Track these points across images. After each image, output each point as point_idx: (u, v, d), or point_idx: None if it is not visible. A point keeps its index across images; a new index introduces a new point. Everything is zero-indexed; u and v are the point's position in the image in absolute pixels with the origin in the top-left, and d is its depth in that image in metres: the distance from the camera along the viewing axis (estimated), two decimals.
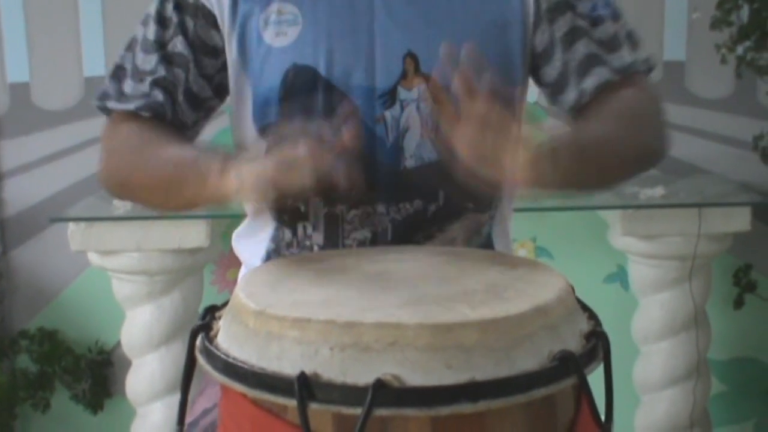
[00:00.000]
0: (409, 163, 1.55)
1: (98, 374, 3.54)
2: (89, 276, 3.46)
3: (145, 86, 1.57)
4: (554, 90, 1.60)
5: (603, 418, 1.12)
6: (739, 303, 3.44)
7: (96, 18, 3.41)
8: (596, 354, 1.09)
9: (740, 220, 3.08)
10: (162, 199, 1.53)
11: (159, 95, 1.56)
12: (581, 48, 1.56)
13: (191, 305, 3.13)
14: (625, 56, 1.58)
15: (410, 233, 1.54)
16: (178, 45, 1.57)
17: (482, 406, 0.96)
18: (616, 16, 1.61)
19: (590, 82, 1.55)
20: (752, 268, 3.47)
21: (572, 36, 1.57)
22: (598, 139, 1.44)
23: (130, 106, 1.56)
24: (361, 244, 1.55)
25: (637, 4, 3.33)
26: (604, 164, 1.44)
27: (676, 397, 3.23)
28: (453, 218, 1.57)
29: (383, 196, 1.54)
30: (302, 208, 1.56)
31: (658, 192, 3.09)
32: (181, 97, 1.58)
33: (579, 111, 1.57)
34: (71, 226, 3.00)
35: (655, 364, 3.24)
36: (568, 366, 1.02)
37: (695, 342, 3.18)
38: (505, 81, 1.57)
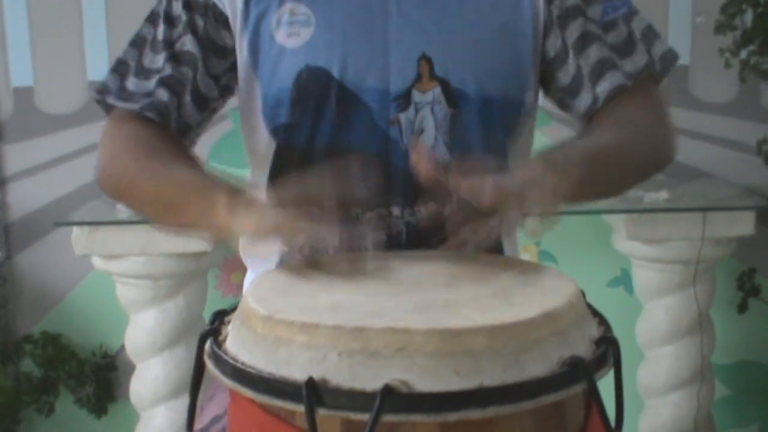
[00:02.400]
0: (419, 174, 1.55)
1: (102, 378, 3.54)
2: (93, 280, 3.46)
3: (150, 84, 1.55)
4: (567, 95, 1.60)
5: (613, 423, 1.12)
6: (743, 307, 3.45)
7: (100, 22, 3.41)
8: (606, 360, 1.08)
9: (744, 224, 3.08)
10: (158, 216, 1.51)
11: (164, 95, 1.54)
12: (594, 53, 1.56)
13: (195, 309, 3.13)
14: (638, 59, 1.58)
15: (424, 237, 1.54)
16: (187, 43, 1.56)
17: (491, 412, 0.96)
18: (628, 16, 1.61)
19: (604, 87, 1.55)
20: (756, 272, 3.47)
21: (584, 41, 1.56)
22: (606, 149, 1.44)
23: (135, 106, 1.54)
24: (376, 247, 1.55)
25: (641, 8, 3.30)
26: (613, 173, 1.45)
27: (680, 401, 3.23)
28: (465, 222, 1.57)
29: (398, 199, 1.54)
30: (316, 213, 1.55)
31: (662, 196, 3.09)
32: (187, 97, 1.56)
33: (592, 116, 1.57)
34: (75, 230, 3.01)
35: (660, 368, 3.24)
36: (578, 372, 1.02)
37: (699, 346, 3.19)
38: (516, 84, 1.58)
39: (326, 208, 1.25)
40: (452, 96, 1.53)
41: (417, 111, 1.54)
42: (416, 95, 1.53)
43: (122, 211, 3.01)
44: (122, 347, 3.28)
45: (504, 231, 1.60)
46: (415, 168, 1.32)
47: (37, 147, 3.48)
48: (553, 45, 1.58)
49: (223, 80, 1.60)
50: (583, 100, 1.58)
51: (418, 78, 1.53)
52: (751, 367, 3.65)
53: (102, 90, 1.60)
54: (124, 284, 3.09)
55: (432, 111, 1.54)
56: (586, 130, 1.56)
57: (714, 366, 3.33)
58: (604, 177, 1.42)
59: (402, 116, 1.53)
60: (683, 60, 3.45)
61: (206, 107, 1.60)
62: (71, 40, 3.44)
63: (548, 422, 1.05)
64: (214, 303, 3.25)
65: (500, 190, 1.22)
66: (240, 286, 3.36)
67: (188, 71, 1.56)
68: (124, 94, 1.57)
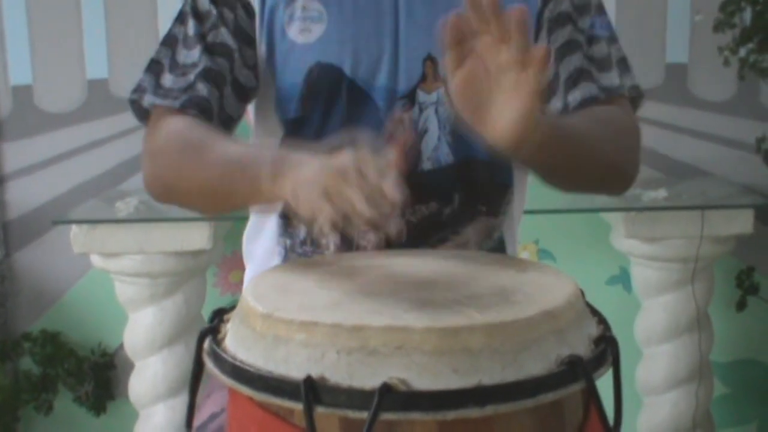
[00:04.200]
0: (426, 165, 1.55)
1: (101, 376, 3.54)
2: (92, 278, 3.46)
3: (189, 78, 1.54)
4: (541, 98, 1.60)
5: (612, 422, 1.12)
6: (741, 305, 3.44)
7: (99, 20, 3.41)
8: (605, 359, 1.08)
9: (743, 222, 3.08)
10: (210, 205, 1.51)
11: (203, 89, 1.53)
12: (574, 61, 1.56)
13: (194, 307, 3.13)
14: (614, 78, 1.58)
15: (425, 235, 1.55)
16: (220, 35, 1.56)
17: (489, 410, 0.96)
18: (612, 40, 1.61)
19: (576, 95, 1.55)
20: (755, 270, 3.47)
21: (567, 48, 1.57)
22: (584, 132, 1.43)
23: (175, 103, 1.53)
24: (376, 245, 1.55)
25: (640, 6, 3.33)
26: (580, 160, 1.43)
27: (678, 399, 3.23)
28: (466, 221, 1.57)
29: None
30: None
31: (660, 194, 3.09)
32: (228, 89, 1.56)
33: None
34: (74, 228, 3.00)
35: (658, 367, 3.24)
36: (576, 371, 1.02)
37: (698, 344, 3.19)
38: None
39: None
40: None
41: (421, 111, 1.54)
42: (421, 95, 1.54)
43: (121, 210, 3.01)
44: (121, 345, 3.27)
45: (506, 229, 1.60)
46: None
47: (36, 145, 3.47)
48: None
49: (258, 70, 1.59)
50: (554, 105, 1.57)
51: (424, 78, 1.54)
52: (750, 365, 3.65)
53: (138, 90, 1.58)
54: (122, 282, 3.09)
55: (436, 111, 1.54)
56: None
57: (712, 364, 3.33)
58: (571, 153, 1.39)
59: (406, 116, 1.54)
60: (682, 58, 3.45)
61: (247, 98, 1.60)
62: (70, 38, 3.44)
63: (547, 421, 1.05)
64: (212, 301, 3.25)
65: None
66: (238, 285, 3.36)
67: (225, 63, 1.56)
68: (161, 91, 1.56)
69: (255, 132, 1.68)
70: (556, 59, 1.57)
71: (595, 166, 1.49)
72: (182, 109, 1.53)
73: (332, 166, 1.20)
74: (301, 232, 1.59)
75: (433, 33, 1.52)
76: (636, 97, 1.63)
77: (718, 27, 3.20)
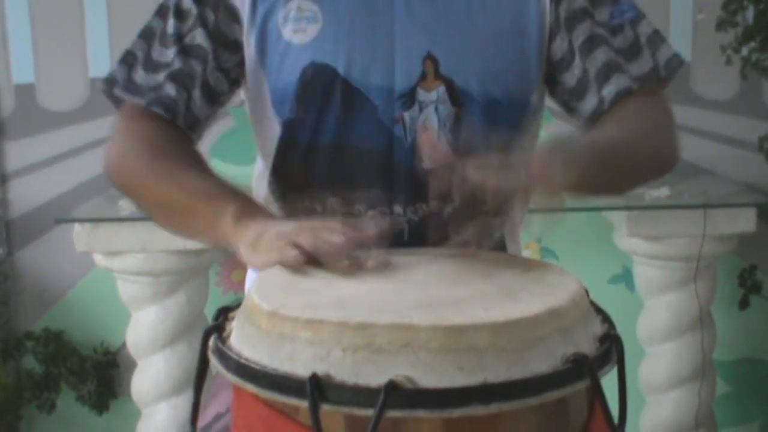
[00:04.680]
0: (426, 164, 1.55)
1: (104, 375, 3.55)
2: (94, 277, 3.47)
3: (158, 78, 1.55)
4: (573, 98, 1.60)
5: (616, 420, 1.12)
6: (744, 304, 3.45)
7: (101, 19, 3.41)
8: (610, 357, 1.08)
9: (745, 221, 3.09)
10: (166, 221, 1.53)
11: (171, 90, 1.54)
12: (600, 56, 1.56)
13: (196, 306, 3.13)
14: (644, 64, 1.58)
15: (426, 234, 1.55)
16: (197, 37, 1.56)
17: (494, 408, 0.96)
18: (635, 21, 1.60)
19: (610, 90, 1.55)
20: (757, 269, 3.47)
21: (591, 44, 1.56)
22: (613, 143, 1.43)
23: (141, 100, 1.55)
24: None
25: (643, 5, 3.31)
26: (617, 170, 1.44)
27: (681, 397, 3.23)
28: (467, 220, 1.57)
29: (400, 196, 1.54)
30: (318, 209, 1.56)
31: (663, 193, 3.09)
32: (197, 92, 1.56)
33: (598, 119, 1.57)
34: (77, 227, 3.01)
35: (661, 365, 3.24)
36: (581, 369, 1.02)
37: (700, 343, 3.19)
38: (521, 85, 1.58)
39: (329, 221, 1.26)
40: (456, 96, 1.54)
41: (421, 110, 1.54)
42: (421, 94, 1.54)
43: (124, 208, 3.01)
44: (124, 344, 3.28)
45: (508, 229, 1.61)
46: (422, 151, 1.31)
47: (39, 144, 3.48)
48: (560, 47, 1.57)
49: (233, 74, 1.60)
50: (589, 103, 1.57)
51: (423, 77, 1.54)
52: (752, 363, 3.65)
53: (109, 81, 1.60)
54: (125, 281, 3.09)
55: (436, 110, 1.54)
56: (592, 127, 1.55)
57: (715, 363, 3.34)
58: (608, 173, 1.41)
59: (406, 115, 1.54)
60: (684, 57, 3.43)
61: (216, 101, 1.60)
62: (73, 36, 3.44)
63: (552, 419, 1.05)
64: (215, 300, 3.26)
65: (504, 189, 1.22)
66: (241, 284, 3.35)
67: (198, 65, 1.56)
68: (131, 86, 1.58)
69: (255, 132, 1.68)
70: (581, 57, 1.57)
71: (636, 168, 1.51)
72: (148, 107, 1.54)
73: (304, 223, 1.26)
74: None
75: (433, 32, 1.53)
76: (675, 68, 1.63)
77: (721, 26, 3.20)
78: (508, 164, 1.24)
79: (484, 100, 1.54)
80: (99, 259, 3.09)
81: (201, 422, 1.45)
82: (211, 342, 1.15)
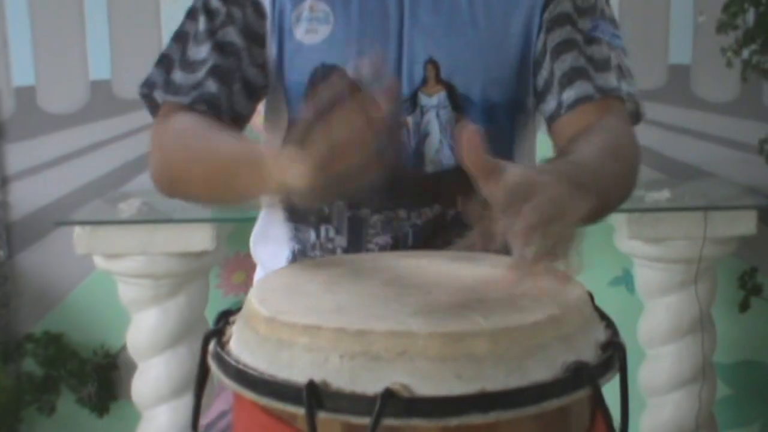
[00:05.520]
0: (429, 168, 1.56)
1: (104, 378, 3.54)
2: (95, 279, 3.46)
3: (198, 75, 1.55)
4: (538, 98, 1.59)
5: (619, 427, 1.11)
6: (744, 306, 3.44)
7: (102, 21, 3.41)
8: (612, 365, 1.07)
9: (746, 223, 3.09)
10: (215, 194, 1.49)
11: (212, 86, 1.54)
12: (569, 59, 1.55)
13: (197, 309, 3.13)
14: (611, 79, 1.55)
15: (430, 239, 1.55)
16: (229, 34, 1.56)
17: (492, 417, 0.95)
18: (613, 46, 1.58)
19: (571, 94, 1.54)
20: (758, 271, 3.47)
21: (564, 47, 1.55)
22: (594, 171, 1.37)
23: (185, 99, 1.54)
24: (383, 248, 1.56)
25: (643, 8, 3.33)
26: (605, 195, 1.39)
27: (681, 400, 3.23)
28: (471, 224, 1.57)
29: (404, 201, 1.54)
30: (326, 210, 1.56)
31: (663, 195, 3.09)
32: (237, 85, 1.56)
33: (553, 122, 1.56)
34: (77, 229, 3.01)
35: (661, 368, 3.24)
36: (582, 377, 1.01)
37: (701, 345, 3.19)
38: (524, 90, 1.57)
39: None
40: (457, 100, 1.54)
41: (423, 114, 1.54)
42: (423, 98, 1.54)
43: (124, 211, 3.02)
44: (124, 346, 3.27)
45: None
46: (464, 147, 1.25)
47: (39, 146, 3.48)
48: (536, 48, 1.57)
49: (267, 69, 1.60)
50: (549, 105, 1.56)
51: (425, 81, 1.54)
52: (753, 366, 3.65)
53: (148, 85, 1.59)
54: (125, 283, 3.09)
55: (437, 115, 1.55)
56: (569, 146, 1.47)
57: (715, 365, 3.33)
58: (601, 199, 1.38)
59: (409, 119, 1.54)
60: (685, 59, 3.45)
61: (255, 96, 1.61)
62: (73, 38, 3.44)
63: (552, 427, 1.04)
64: (215, 302, 3.25)
65: (530, 225, 1.15)
66: (241, 286, 3.37)
67: (234, 61, 1.56)
68: (172, 87, 1.57)
69: (266, 130, 1.68)
70: (551, 58, 1.56)
71: (608, 199, 1.46)
72: (191, 105, 1.54)
73: (327, 139, 1.17)
74: (312, 236, 1.59)
75: (435, 36, 1.53)
76: (634, 111, 1.59)
77: (721, 28, 3.21)
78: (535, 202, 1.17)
79: (485, 105, 1.54)
80: (99, 261, 3.09)
81: (205, 419, 1.46)
82: (211, 347, 1.15)
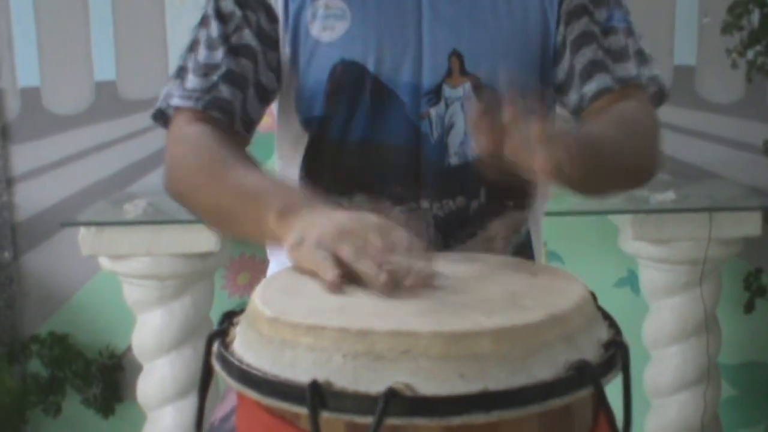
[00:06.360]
0: (453, 160, 1.56)
1: (109, 379, 3.55)
2: (100, 280, 3.47)
3: (211, 79, 1.55)
4: (559, 92, 1.62)
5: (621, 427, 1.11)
6: (749, 307, 3.44)
7: (107, 22, 3.42)
8: (614, 364, 1.07)
9: (751, 224, 3.08)
10: (219, 227, 1.52)
11: (226, 91, 1.54)
12: (588, 53, 1.58)
13: (202, 310, 3.13)
14: (630, 68, 1.59)
15: (452, 230, 1.55)
16: (244, 37, 1.56)
17: (495, 416, 0.95)
18: (629, 32, 1.62)
19: (591, 87, 1.57)
20: (763, 272, 3.47)
21: (582, 40, 1.58)
22: (604, 141, 1.41)
23: (198, 104, 1.54)
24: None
25: (648, 8, 3.33)
26: (607, 167, 1.42)
27: (686, 401, 3.23)
28: (494, 216, 1.58)
29: (427, 192, 1.56)
30: (346, 205, 1.56)
31: (668, 196, 3.09)
32: (251, 90, 1.56)
33: (579, 115, 1.59)
34: (82, 230, 3.01)
35: (666, 369, 3.24)
36: (585, 376, 1.01)
37: (706, 346, 3.18)
38: (545, 80, 1.58)
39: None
40: (482, 91, 1.54)
41: (447, 106, 1.55)
42: (447, 90, 1.55)
43: (129, 212, 3.02)
44: (129, 347, 3.28)
45: (532, 225, 1.60)
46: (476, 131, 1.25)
47: (44, 147, 3.49)
48: (555, 41, 1.59)
49: (279, 73, 1.60)
50: (571, 98, 1.59)
51: (449, 73, 1.55)
52: (758, 367, 3.65)
53: (166, 97, 1.59)
54: (130, 284, 3.10)
55: (462, 106, 1.55)
56: (583, 123, 1.55)
57: (720, 366, 3.33)
58: (591, 168, 1.39)
59: (432, 111, 1.55)
60: (690, 60, 3.45)
61: (267, 100, 1.61)
62: (78, 40, 3.45)
63: (555, 427, 1.04)
64: (220, 303, 3.26)
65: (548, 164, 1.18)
66: (246, 287, 3.37)
67: (248, 64, 1.56)
68: (185, 93, 1.56)
69: (278, 135, 1.69)
70: (571, 52, 1.58)
71: (621, 170, 1.49)
72: (205, 111, 1.53)
73: (348, 222, 1.19)
74: None
75: (458, 28, 1.54)
76: (657, 92, 1.62)
77: (726, 29, 3.20)
78: (547, 137, 1.18)
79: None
80: (104, 262, 3.09)
81: (220, 413, 1.47)
82: (215, 347, 1.15)
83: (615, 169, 1.46)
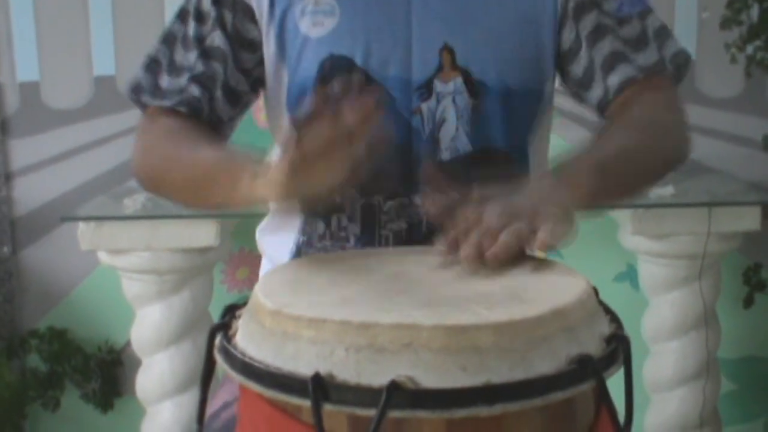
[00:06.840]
0: (445, 155, 1.56)
1: (108, 373, 3.55)
2: (99, 275, 3.47)
3: (182, 81, 1.58)
4: (580, 88, 1.61)
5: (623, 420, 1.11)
6: (748, 302, 3.45)
7: (106, 17, 3.41)
8: (616, 358, 1.07)
9: (750, 219, 3.08)
10: (192, 199, 1.52)
11: (195, 90, 1.56)
12: (606, 45, 1.57)
13: (201, 304, 3.13)
14: (651, 55, 1.59)
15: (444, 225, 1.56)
16: (216, 39, 1.58)
17: (498, 409, 0.95)
18: (643, 14, 1.61)
19: (615, 79, 1.56)
20: (762, 267, 3.48)
21: (597, 33, 1.58)
22: (621, 153, 1.43)
23: (167, 102, 1.57)
24: (397, 235, 1.56)
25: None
26: (629, 177, 1.45)
27: (686, 396, 3.23)
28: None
29: (419, 187, 1.55)
30: (338, 199, 1.56)
31: (667, 191, 3.09)
32: (218, 92, 1.58)
33: (604, 108, 1.59)
34: (81, 225, 3.01)
35: (665, 363, 3.24)
36: (587, 370, 1.01)
37: (705, 341, 3.18)
38: (537, 75, 1.58)
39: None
40: (473, 86, 1.55)
41: (438, 101, 1.55)
42: (438, 85, 1.55)
43: (128, 207, 3.02)
44: (128, 342, 3.28)
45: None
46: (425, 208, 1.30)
47: (43, 142, 3.48)
48: (568, 37, 1.59)
49: (253, 74, 1.62)
50: (595, 93, 1.59)
51: (440, 68, 1.55)
52: (757, 361, 3.65)
53: (136, 89, 1.62)
54: (129, 279, 3.10)
55: (453, 101, 1.55)
56: (603, 129, 1.55)
57: (720, 361, 3.33)
58: (619, 183, 1.42)
59: (424, 106, 1.55)
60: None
61: (238, 101, 1.62)
62: (77, 34, 3.44)
63: (558, 419, 1.04)
64: (219, 298, 3.26)
65: (509, 213, 1.22)
66: (245, 282, 3.37)
67: (218, 67, 1.58)
68: (158, 92, 1.60)
69: (270, 131, 1.69)
70: (588, 46, 1.58)
71: (644, 173, 1.52)
72: (174, 107, 1.57)
73: (302, 153, 1.18)
74: (321, 226, 1.59)
75: (449, 23, 1.54)
76: (682, 65, 1.63)
77: (725, 24, 3.21)
78: (509, 212, 1.23)
79: (501, 91, 1.55)
80: (103, 257, 3.09)
81: (209, 410, 1.46)
82: (217, 340, 1.15)
83: (640, 172, 1.49)
